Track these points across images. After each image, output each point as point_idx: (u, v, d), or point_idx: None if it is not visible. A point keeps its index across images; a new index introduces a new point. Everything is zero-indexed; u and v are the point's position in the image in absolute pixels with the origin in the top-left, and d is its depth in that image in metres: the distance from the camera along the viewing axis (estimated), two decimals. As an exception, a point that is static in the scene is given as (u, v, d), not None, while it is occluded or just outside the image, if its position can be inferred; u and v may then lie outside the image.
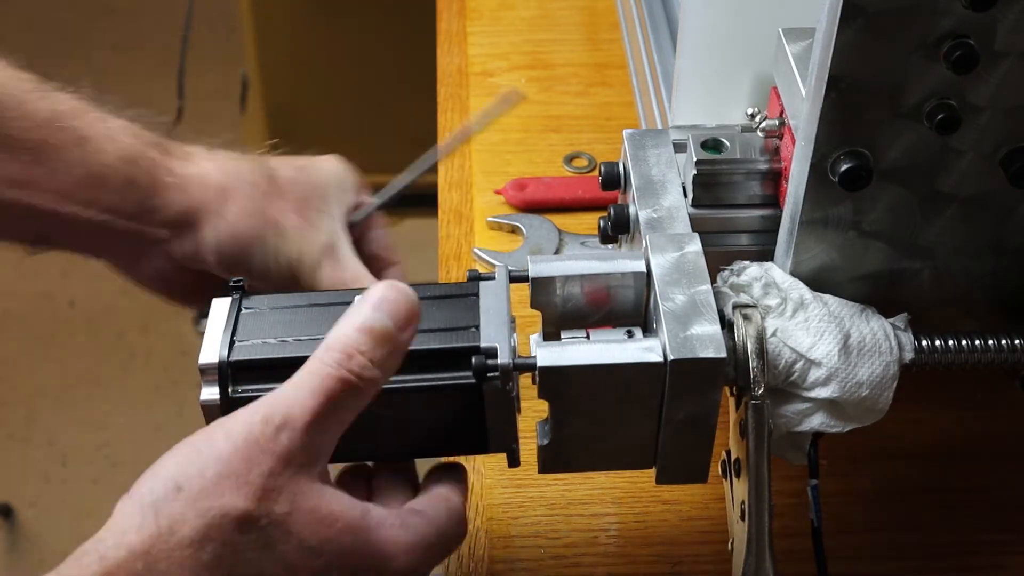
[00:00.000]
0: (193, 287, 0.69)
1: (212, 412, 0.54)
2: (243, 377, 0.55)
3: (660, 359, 0.53)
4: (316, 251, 0.66)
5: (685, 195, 0.64)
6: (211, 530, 0.47)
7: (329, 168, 0.70)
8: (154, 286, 0.69)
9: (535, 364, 0.53)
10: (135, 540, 0.47)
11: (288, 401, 0.49)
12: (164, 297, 0.71)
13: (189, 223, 0.66)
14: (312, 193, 0.68)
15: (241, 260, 0.66)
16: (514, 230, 0.86)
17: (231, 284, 0.59)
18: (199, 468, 0.48)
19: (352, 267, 0.67)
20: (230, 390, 0.54)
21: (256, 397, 0.54)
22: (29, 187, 0.63)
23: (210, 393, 0.54)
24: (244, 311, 0.57)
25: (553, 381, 0.54)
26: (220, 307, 0.57)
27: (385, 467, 0.58)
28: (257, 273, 0.66)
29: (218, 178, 0.67)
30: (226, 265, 0.66)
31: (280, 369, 0.55)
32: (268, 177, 0.68)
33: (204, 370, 0.55)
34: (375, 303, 0.51)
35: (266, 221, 0.66)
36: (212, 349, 0.55)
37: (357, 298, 0.53)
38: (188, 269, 0.67)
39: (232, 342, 0.55)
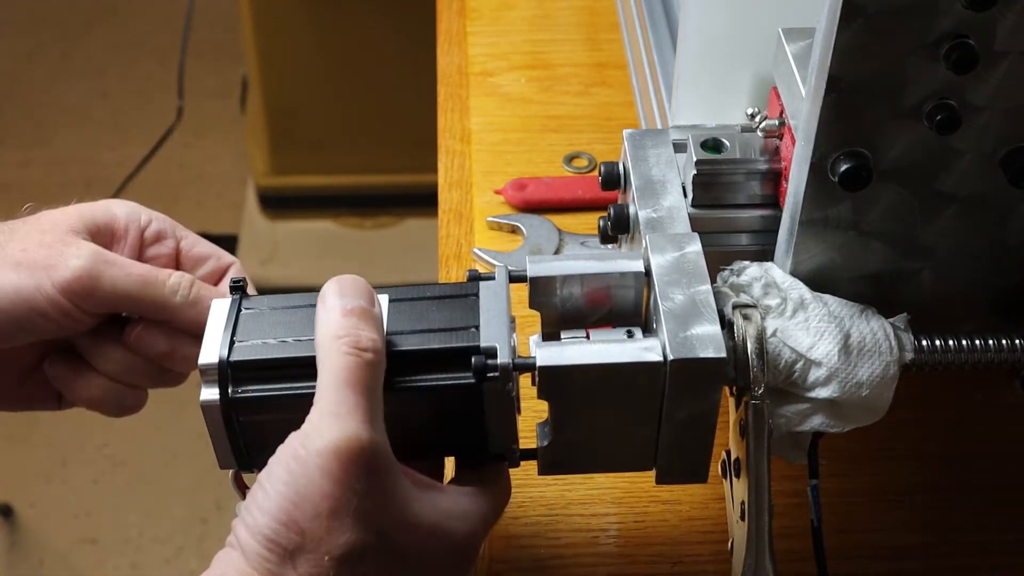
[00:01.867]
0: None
1: (212, 412, 0.54)
2: (243, 377, 0.55)
3: (660, 359, 0.53)
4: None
5: (685, 195, 0.64)
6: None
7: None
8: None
9: (535, 364, 0.53)
10: None
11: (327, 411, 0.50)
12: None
13: None
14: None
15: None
16: (514, 230, 0.86)
17: (231, 284, 0.59)
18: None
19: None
20: (230, 390, 0.54)
21: (256, 397, 0.54)
22: None
23: (210, 393, 0.54)
24: (244, 311, 0.57)
25: (553, 381, 0.54)
26: (220, 307, 0.57)
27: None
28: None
29: None
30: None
31: (280, 369, 0.55)
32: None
33: (204, 370, 0.55)
34: (337, 292, 0.53)
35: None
36: (212, 349, 0.55)
37: (318, 300, 0.54)
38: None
39: (232, 342, 0.55)
